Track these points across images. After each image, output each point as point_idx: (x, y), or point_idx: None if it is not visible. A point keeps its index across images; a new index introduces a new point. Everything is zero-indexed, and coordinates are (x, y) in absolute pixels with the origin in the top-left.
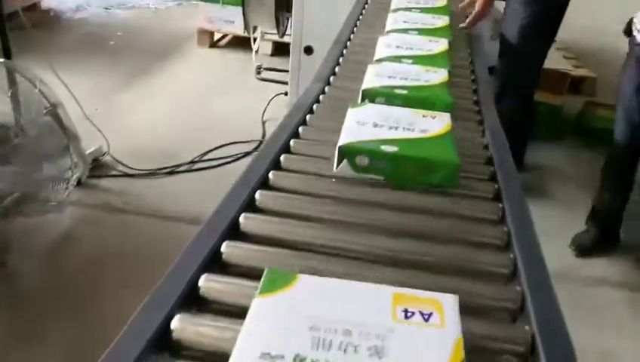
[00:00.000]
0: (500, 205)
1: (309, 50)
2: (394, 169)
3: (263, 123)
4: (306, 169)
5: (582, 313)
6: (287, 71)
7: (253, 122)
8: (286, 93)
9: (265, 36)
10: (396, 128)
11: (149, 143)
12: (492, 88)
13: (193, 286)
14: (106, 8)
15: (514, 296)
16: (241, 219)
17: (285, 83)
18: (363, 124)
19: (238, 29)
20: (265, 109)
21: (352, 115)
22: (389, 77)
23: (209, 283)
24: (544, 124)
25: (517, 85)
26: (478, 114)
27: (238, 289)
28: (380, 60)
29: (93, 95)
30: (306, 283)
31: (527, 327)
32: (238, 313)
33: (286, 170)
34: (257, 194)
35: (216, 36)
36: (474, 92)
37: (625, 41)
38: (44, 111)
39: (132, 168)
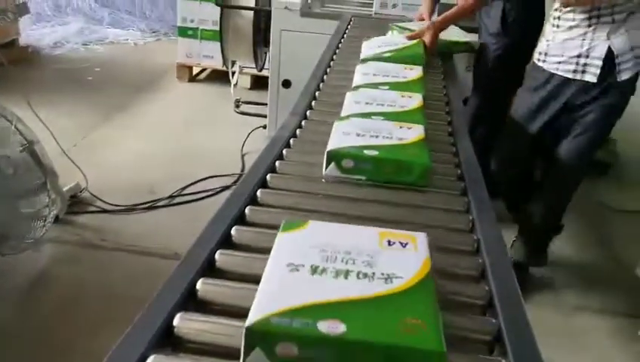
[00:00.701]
0: (475, 236)
1: (286, 84)
2: (375, 170)
3: (242, 156)
4: (282, 203)
5: (563, 340)
6: (266, 104)
7: (232, 156)
8: (265, 127)
9: (243, 70)
10: (377, 137)
11: (128, 178)
12: (466, 118)
13: (168, 325)
14: (85, 44)
15: (490, 328)
16: (217, 256)
17: (264, 116)
18: (348, 134)
19: (217, 64)
20: (244, 143)
21: (338, 127)
22: (367, 103)
23: (184, 322)
24: None
25: (490, 115)
26: (452, 146)
27: (213, 328)
28: (357, 87)
29: (72, 131)
30: (315, 225)
31: (503, 361)
32: (214, 352)
33: (263, 205)
34: (233, 230)
35: (195, 70)
36: (448, 123)
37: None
38: (21, 149)
39: (110, 204)
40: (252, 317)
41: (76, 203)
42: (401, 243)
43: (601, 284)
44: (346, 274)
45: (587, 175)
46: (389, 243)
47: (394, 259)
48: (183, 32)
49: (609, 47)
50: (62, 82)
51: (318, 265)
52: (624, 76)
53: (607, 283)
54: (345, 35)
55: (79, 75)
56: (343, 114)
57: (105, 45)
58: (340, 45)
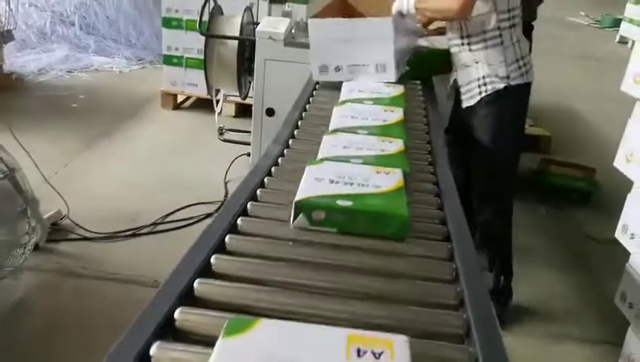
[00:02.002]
0: (454, 265)
1: (270, 112)
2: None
3: (226, 184)
4: (262, 232)
5: None
6: (250, 132)
7: (215, 183)
8: (248, 154)
9: (228, 98)
10: (351, 184)
11: (110, 206)
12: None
13: (145, 353)
14: (69, 71)
15: (467, 358)
16: (196, 284)
17: (248, 144)
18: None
19: (202, 92)
20: (227, 170)
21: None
22: (352, 117)
23: (162, 351)
24: None
25: None
26: (432, 174)
27: (191, 357)
28: (343, 102)
29: (54, 158)
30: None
31: None
32: None
33: (243, 233)
34: (213, 259)
35: (180, 98)
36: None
37: (578, 103)
38: (1, 176)
39: (91, 231)
40: (297, 198)
41: (57, 230)
42: (374, 354)
43: (581, 313)
44: (351, 184)
45: (567, 202)
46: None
47: (379, 180)
48: (168, 60)
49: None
50: (45, 109)
51: (333, 179)
52: (465, 104)
53: (587, 311)
54: None
55: (63, 102)
56: (331, 128)
57: (90, 73)
58: None
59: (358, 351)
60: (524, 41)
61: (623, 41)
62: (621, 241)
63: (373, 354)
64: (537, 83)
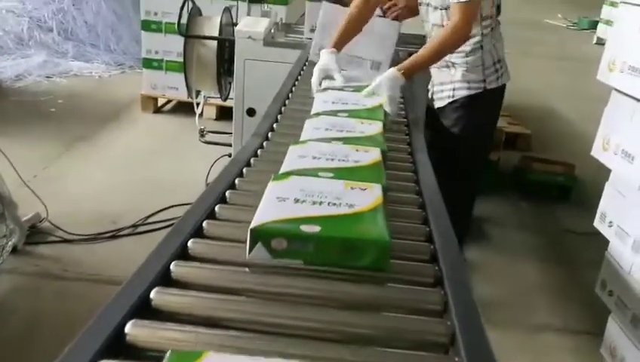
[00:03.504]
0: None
1: (251, 112)
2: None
3: (207, 185)
4: (240, 218)
5: (526, 359)
6: (231, 133)
7: (197, 185)
8: (230, 155)
9: (209, 100)
10: (320, 203)
11: (91, 209)
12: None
13: (120, 331)
14: (48, 77)
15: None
16: (172, 267)
17: (229, 145)
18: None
19: (182, 95)
20: (209, 172)
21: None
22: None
23: (137, 329)
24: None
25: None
26: (415, 183)
27: (166, 335)
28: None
29: (33, 162)
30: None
31: None
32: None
33: (220, 219)
34: (190, 243)
35: (161, 102)
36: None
37: (557, 102)
38: None
39: (71, 233)
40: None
41: (36, 233)
42: (361, 189)
43: (562, 304)
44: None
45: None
46: (352, 188)
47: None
48: (148, 63)
49: None
50: (23, 114)
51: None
52: (437, 104)
53: (568, 302)
54: (307, 63)
55: (41, 107)
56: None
57: (69, 78)
58: (301, 72)
59: (352, 188)
60: (500, 42)
61: (601, 42)
62: (600, 229)
63: (360, 188)
64: (518, 83)
